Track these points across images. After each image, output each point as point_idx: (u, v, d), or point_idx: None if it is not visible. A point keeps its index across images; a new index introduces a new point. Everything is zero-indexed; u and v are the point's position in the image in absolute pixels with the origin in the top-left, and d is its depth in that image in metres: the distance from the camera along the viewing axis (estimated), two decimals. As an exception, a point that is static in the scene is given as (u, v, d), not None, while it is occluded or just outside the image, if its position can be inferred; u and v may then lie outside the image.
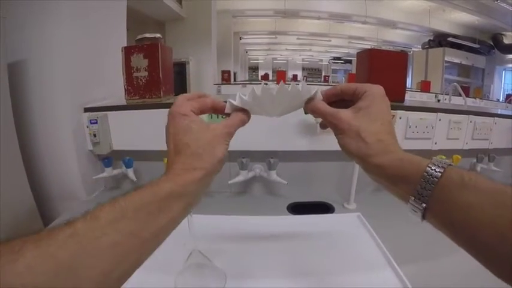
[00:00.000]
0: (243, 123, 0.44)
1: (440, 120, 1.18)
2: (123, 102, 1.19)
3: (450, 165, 0.33)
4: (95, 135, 1.06)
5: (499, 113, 1.36)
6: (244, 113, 0.44)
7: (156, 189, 0.34)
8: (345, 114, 0.41)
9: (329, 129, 0.45)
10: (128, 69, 1.16)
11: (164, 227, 0.33)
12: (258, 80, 9.52)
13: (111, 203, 0.31)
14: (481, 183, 0.30)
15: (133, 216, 0.31)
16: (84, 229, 0.27)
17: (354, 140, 0.40)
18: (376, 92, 0.42)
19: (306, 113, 0.46)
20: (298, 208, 1.11)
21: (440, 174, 0.32)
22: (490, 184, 0.30)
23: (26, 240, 0.25)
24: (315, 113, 0.44)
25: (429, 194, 0.32)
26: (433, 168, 0.33)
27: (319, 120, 0.47)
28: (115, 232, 0.29)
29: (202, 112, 0.43)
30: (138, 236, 0.31)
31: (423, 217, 0.34)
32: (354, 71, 7.63)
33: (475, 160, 1.34)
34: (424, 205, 0.33)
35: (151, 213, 0.32)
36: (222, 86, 4.85)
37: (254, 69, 14.77)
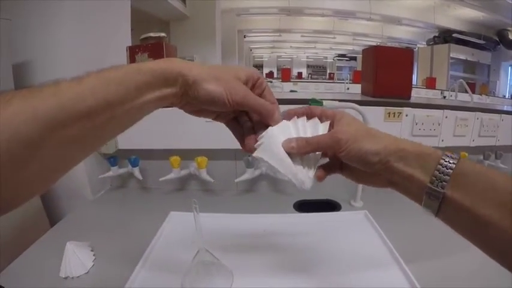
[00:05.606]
0: (272, 109, 0.43)
1: (446, 117, 1.17)
2: (129, 101, 1.18)
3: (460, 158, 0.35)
4: (100, 135, 1.06)
5: (505, 109, 1.35)
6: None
7: (140, 66, 0.36)
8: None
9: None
10: (133, 69, 1.15)
11: (135, 108, 0.36)
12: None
13: (98, 71, 0.33)
14: (492, 172, 0.33)
15: (114, 90, 0.33)
16: (65, 90, 0.29)
17: (370, 141, 0.39)
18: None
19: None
20: (304, 206, 1.11)
21: (455, 163, 0.33)
22: (500, 172, 0.32)
23: (16, 93, 0.28)
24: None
25: (447, 179, 0.33)
26: (447, 159, 0.34)
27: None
28: (92, 98, 0.30)
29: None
30: (111, 109, 0.32)
31: (438, 208, 0.34)
32: (358, 68, 7.57)
33: (481, 157, 1.33)
34: (443, 190, 0.33)
35: (129, 90, 0.34)
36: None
37: (259, 67, 14.65)
